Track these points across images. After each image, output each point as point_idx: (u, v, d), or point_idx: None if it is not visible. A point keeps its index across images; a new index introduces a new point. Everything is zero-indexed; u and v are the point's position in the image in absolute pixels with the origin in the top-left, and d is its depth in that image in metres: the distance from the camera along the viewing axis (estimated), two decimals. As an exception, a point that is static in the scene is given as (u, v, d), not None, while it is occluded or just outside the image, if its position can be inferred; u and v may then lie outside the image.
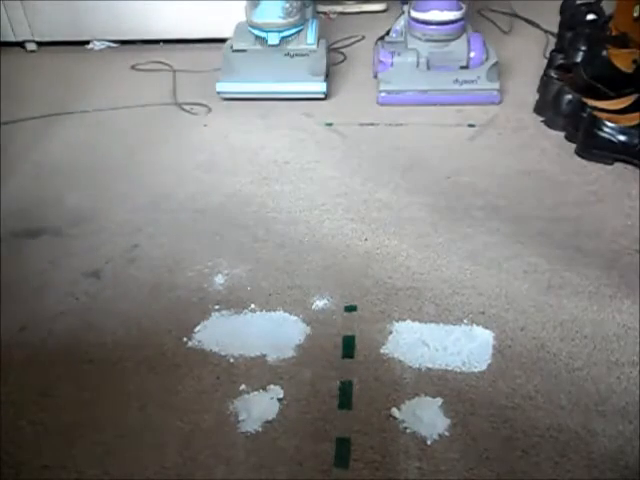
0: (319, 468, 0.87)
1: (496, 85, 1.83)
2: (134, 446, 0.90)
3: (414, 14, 1.85)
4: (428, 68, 1.86)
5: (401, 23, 1.97)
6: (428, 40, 1.85)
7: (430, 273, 1.20)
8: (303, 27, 1.94)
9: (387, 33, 2.02)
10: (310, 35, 1.93)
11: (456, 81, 1.82)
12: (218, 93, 1.89)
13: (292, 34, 1.91)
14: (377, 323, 1.09)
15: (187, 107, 1.88)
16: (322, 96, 1.88)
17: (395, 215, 1.37)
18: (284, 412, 0.94)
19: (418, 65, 1.85)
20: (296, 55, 1.88)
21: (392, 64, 1.85)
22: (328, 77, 1.93)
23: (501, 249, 1.26)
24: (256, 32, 1.93)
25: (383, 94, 1.86)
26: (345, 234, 1.32)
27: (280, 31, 1.90)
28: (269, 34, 1.91)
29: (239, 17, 2.10)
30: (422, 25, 1.84)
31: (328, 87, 1.89)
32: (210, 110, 1.85)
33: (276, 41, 1.90)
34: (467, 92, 1.83)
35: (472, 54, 1.85)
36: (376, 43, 2.00)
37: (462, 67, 1.85)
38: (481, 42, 1.85)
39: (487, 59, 1.84)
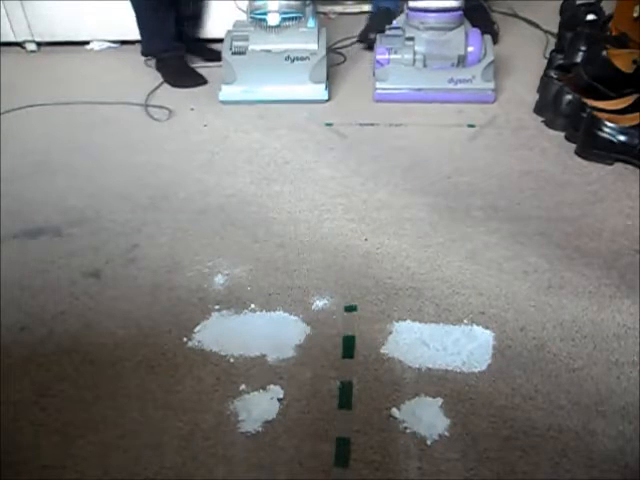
0: (319, 468, 0.86)
1: (491, 85, 1.84)
2: (134, 446, 0.90)
3: (412, 3, 1.87)
4: (425, 66, 1.86)
5: (401, 20, 1.97)
6: (427, 29, 1.86)
7: (430, 273, 1.20)
8: (303, 15, 1.93)
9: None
10: (311, 20, 1.92)
11: (451, 80, 1.83)
12: (221, 102, 1.89)
13: (292, 17, 1.90)
14: (377, 323, 1.09)
15: (152, 110, 1.88)
16: (323, 101, 1.88)
17: (395, 215, 1.37)
18: (284, 412, 0.94)
19: (414, 63, 1.85)
20: (296, 59, 1.88)
21: (389, 61, 1.86)
22: (328, 78, 1.93)
23: (501, 249, 1.26)
24: (257, 16, 1.91)
25: (379, 91, 1.87)
26: (345, 234, 1.32)
27: (280, 12, 1.89)
28: (269, 14, 1.90)
29: (238, 17, 2.11)
30: (421, 13, 1.86)
31: (328, 88, 1.90)
32: (172, 114, 1.85)
33: (276, 21, 1.89)
34: (462, 91, 1.83)
35: (470, 49, 1.85)
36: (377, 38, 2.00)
37: (460, 61, 1.85)
38: (479, 37, 1.86)
39: (485, 56, 1.84)
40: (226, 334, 1.08)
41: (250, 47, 1.91)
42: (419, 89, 1.85)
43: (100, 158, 1.65)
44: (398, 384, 0.98)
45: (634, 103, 1.52)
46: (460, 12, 1.85)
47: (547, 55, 1.94)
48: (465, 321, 1.09)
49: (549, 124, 1.70)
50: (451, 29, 1.85)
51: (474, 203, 1.40)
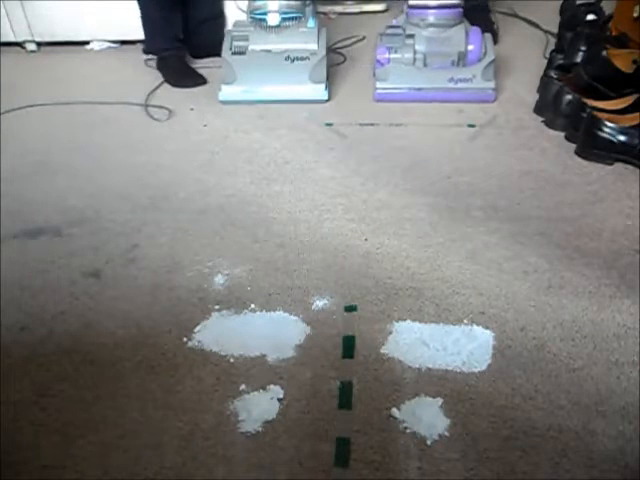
0: (319, 468, 0.86)
1: (491, 84, 1.84)
2: (134, 446, 0.90)
3: (412, 1, 1.88)
4: (425, 65, 1.86)
5: (401, 19, 1.97)
6: (427, 26, 1.86)
7: (430, 273, 1.20)
8: (303, 15, 1.93)
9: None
10: (311, 20, 1.92)
11: (451, 79, 1.83)
12: (221, 102, 1.89)
13: (292, 17, 1.90)
14: (377, 323, 1.09)
15: (152, 110, 1.88)
16: (323, 101, 1.89)
17: (395, 215, 1.37)
18: (284, 412, 0.94)
19: (415, 62, 1.85)
20: (296, 59, 1.87)
21: (389, 60, 1.86)
22: (328, 78, 1.93)
23: (501, 249, 1.26)
24: (257, 16, 1.92)
25: (379, 91, 1.87)
26: (345, 234, 1.32)
27: (280, 12, 1.89)
28: (269, 14, 1.90)
29: (238, 17, 2.11)
30: (421, 10, 1.86)
31: (328, 88, 1.90)
32: (172, 114, 1.85)
33: (276, 21, 1.89)
34: (462, 90, 1.83)
35: (470, 47, 1.85)
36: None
37: (460, 58, 1.85)
38: (480, 36, 1.86)
39: (485, 55, 1.84)
40: (226, 334, 1.08)
41: (250, 47, 1.91)
42: (419, 88, 1.85)
43: (100, 158, 1.65)
44: (398, 384, 0.98)
45: (634, 103, 1.52)
46: (460, 9, 1.86)
47: (547, 55, 1.94)
48: (465, 321, 1.09)
49: (549, 124, 1.70)
50: (451, 26, 1.86)
51: (474, 203, 1.40)
